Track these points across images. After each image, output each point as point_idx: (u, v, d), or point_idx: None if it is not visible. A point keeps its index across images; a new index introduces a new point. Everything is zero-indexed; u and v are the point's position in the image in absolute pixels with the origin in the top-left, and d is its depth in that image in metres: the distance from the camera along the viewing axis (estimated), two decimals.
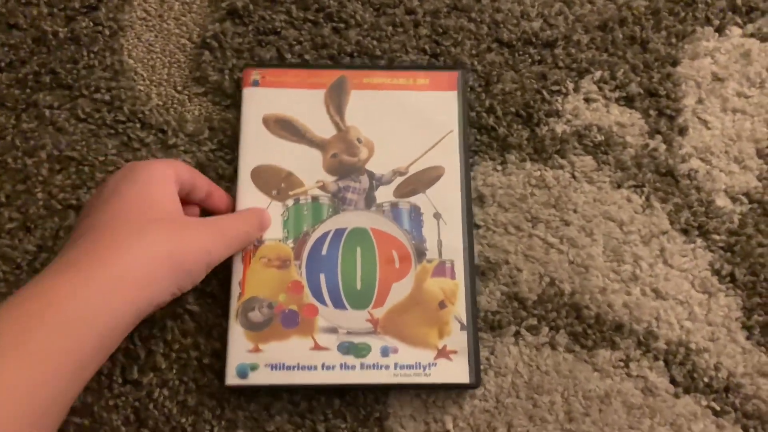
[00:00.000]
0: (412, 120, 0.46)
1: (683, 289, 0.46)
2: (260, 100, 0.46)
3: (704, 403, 0.44)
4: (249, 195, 0.44)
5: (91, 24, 0.49)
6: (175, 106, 0.48)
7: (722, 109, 0.50)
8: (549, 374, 0.44)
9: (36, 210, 0.45)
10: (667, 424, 0.44)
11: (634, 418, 0.44)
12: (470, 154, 0.47)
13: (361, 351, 0.42)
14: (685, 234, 0.47)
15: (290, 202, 0.44)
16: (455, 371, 0.42)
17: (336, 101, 0.46)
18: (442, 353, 0.42)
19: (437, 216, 0.45)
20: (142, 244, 0.35)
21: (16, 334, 0.30)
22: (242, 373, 0.41)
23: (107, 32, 0.49)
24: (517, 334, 0.45)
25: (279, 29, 0.50)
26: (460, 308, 0.43)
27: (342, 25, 0.50)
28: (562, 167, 0.48)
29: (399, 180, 0.45)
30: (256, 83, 0.46)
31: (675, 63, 0.50)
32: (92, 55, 0.48)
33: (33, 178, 0.46)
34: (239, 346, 0.41)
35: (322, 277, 0.43)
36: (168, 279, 0.36)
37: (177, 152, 0.47)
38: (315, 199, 0.44)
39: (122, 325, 0.34)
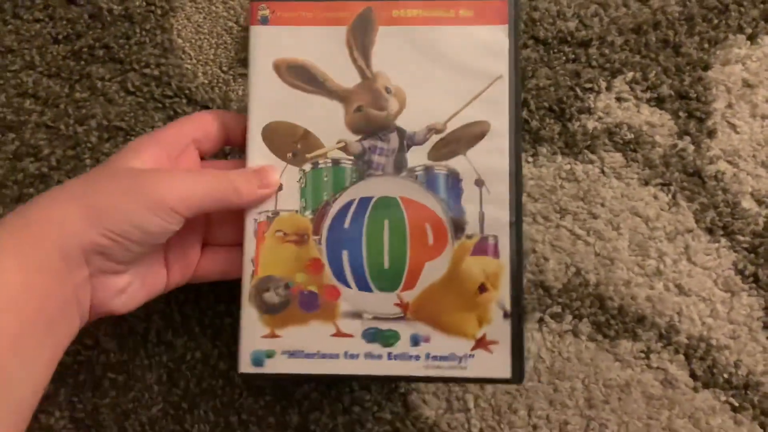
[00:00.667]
0: (451, 63, 0.39)
1: (706, 286, 0.47)
2: (270, 41, 0.39)
3: (723, 398, 0.45)
4: (260, 159, 0.38)
5: (144, 3, 0.51)
6: (220, 85, 0.50)
7: (751, 114, 0.51)
8: (571, 361, 0.45)
9: None
10: (686, 417, 0.44)
11: (653, 408, 0.45)
12: (521, 107, 0.41)
13: (388, 339, 0.38)
14: (710, 233, 0.48)
15: (308, 167, 0.38)
16: (495, 365, 0.37)
17: (360, 40, 0.39)
18: (481, 344, 0.37)
19: (479, 183, 0.38)
20: (57, 187, 0.35)
21: None
22: (258, 361, 0.37)
23: (159, 12, 0.51)
24: (541, 320, 0.46)
25: None
26: (503, 293, 0.38)
27: None
28: (591, 162, 0.49)
29: (435, 139, 0.39)
30: (265, 20, 0.39)
31: (706, 67, 0.52)
32: (144, 33, 0.50)
33: (82, 144, 0.48)
34: (253, 331, 0.37)
35: (345, 254, 0.38)
36: (78, 217, 0.33)
37: None
38: (336, 162, 0.39)
39: (44, 266, 0.32)
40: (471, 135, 0.39)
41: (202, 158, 0.40)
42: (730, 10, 0.53)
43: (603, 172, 0.49)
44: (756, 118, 0.51)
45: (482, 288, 0.38)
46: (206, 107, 0.49)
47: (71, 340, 0.34)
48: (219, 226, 0.41)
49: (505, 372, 0.37)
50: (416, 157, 0.39)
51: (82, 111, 0.49)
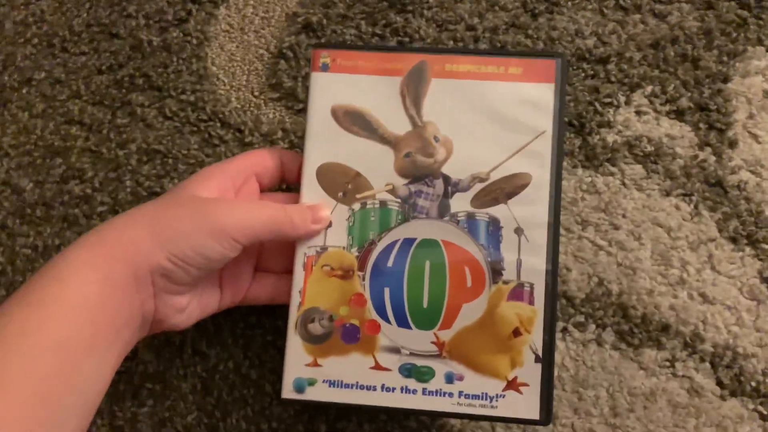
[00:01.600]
0: (498, 117, 0.41)
1: (731, 294, 0.47)
2: (329, 88, 0.41)
3: (751, 406, 0.45)
4: (313, 197, 0.41)
5: (181, 35, 0.54)
6: (252, 108, 0.53)
7: None
8: (594, 369, 0.46)
9: (124, 195, 0.50)
10: (713, 426, 0.44)
11: (679, 417, 0.45)
12: (564, 160, 0.42)
13: (423, 375, 0.39)
14: (734, 242, 0.48)
15: (356, 207, 0.41)
16: (524, 406, 0.39)
17: (413, 91, 0.41)
18: (512, 385, 0.39)
19: (519, 231, 0.40)
20: (131, 211, 0.38)
21: (36, 320, 0.32)
22: (299, 388, 0.39)
23: (195, 42, 0.54)
24: (564, 330, 0.47)
25: (349, 42, 0.54)
26: (536, 338, 0.39)
27: (407, 39, 0.54)
28: (612, 174, 0.50)
29: (478, 187, 0.40)
30: (325, 67, 0.42)
31: (726, 80, 0.52)
32: (181, 62, 0.54)
33: (123, 167, 0.51)
34: (297, 359, 0.39)
35: (387, 291, 0.40)
36: (148, 240, 0.35)
37: (252, 149, 0.51)
38: (383, 204, 0.41)
39: (116, 281, 0.35)
40: (513, 185, 0.40)
41: (262, 191, 0.43)
42: (748, 23, 0.54)
43: (624, 183, 0.50)
44: None
45: (516, 332, 0.39)
46: (239, 130, 0.52)
47: (130, 349, 0.37)
48: (270, 254, 0.43)
49: (534, 413, 0.39)
50: (459, 204, 0.41)
51: (123, 136, 0.52)
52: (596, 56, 0.53)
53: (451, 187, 0.41)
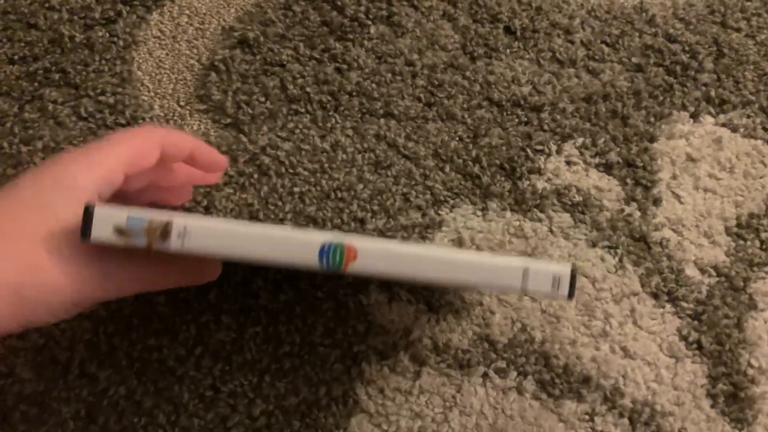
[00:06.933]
0: None
1: (651, 350, 0.47)
2: None
3: None
4: None
5: (108, 35, 0.51)
6: (175, 118, 0.50)
7: (694, 186, 0.52)
8: (514, 419, 0.44)
9: None
10: None
11: None
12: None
13: None
14: (655, 298, 0.48)
15: None
16: None
17: None
18: None
19: None
20: None
21: None
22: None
23: (121, 44, 0.51)
24: (485, 375, 0.45)
25: (285, 62, 0.52)
26: None
27: (345, 66, 0.53)
28: (540, 220, 0.50)
29: None
30: None
31: (652, 139, 0.53)
32: (103, 62, 0.50)
33: (25, 164, 0.46)
34: None
35: None
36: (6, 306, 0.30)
37: None
38: None
39: None
40: None
41: None
42: (674, 89, 0.56)
43: (551, 230, 0.50)
44: (699, 191, 0.52)
45: None
46: None
47: None
48: None
49: None
50: None
51: (29, 131, 0.47)
52: (531, 104, 0.54)
53: None
